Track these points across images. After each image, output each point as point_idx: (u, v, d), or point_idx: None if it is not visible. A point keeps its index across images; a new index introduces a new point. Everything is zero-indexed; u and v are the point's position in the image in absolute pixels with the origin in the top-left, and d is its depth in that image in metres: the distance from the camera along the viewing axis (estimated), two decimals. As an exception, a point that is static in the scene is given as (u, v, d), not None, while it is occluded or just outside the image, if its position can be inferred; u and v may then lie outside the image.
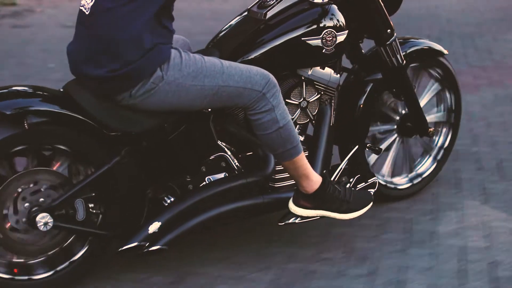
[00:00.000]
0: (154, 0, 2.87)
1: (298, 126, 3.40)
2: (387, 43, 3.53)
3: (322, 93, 3.40)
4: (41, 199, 3.03)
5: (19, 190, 3.00)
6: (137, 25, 2.86)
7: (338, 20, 3.31)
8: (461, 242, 3.55)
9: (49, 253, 3.13)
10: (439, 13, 7.57)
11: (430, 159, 4.07)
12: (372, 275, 3.29)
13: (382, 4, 3.46)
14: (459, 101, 4.04)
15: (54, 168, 3.08)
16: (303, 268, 3.33)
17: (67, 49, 3.05)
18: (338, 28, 3.31)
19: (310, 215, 3.28)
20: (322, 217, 3.30)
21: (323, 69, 3.36)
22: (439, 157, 4.07)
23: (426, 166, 4.05)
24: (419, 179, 4.00)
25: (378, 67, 3.65)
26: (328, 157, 3.49)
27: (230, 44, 3.32)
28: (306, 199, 3.25)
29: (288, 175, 3.30)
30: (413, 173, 4.02)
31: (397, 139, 3.92)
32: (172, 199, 3.21)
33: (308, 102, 3.38)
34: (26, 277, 3.09)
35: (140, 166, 3.12)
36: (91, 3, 2.92)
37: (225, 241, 3.55)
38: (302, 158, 3.19)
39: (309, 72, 3.33)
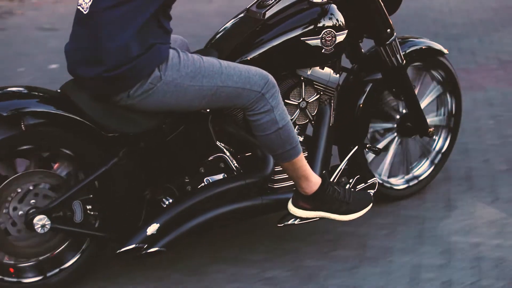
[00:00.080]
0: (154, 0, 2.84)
1: (297, 126, 3.38)
2: (387, 43, 3.51)
3: (321, 93, 3.39)
4: (39, 201, 3.00)
5: (17, 191, 2.97)
6: (135, 24, 2.84)
7: (337, 20, 3.29)
8: (415, 259, 3.42)
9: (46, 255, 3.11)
10: (426, 13, 7.48)
11: (428, 162, 4.05)
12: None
13: (382, 4, 3.45)
14: (459, 105, 4.02)
15: (52, 170, 3.05)
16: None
17: (64, 49, 3.03)
18: (338, 28, 3.29)
19: (310, 217, 3.26)
20: (321, 218, 3.27)
21: (323, 69, 3.34)
22: (436, 161, 4.05)
23: (423, 169, 4.03)
24: (415, 181, 3.98)
25: (377, 67, 3.63)
26: (328, 157, 3.47)
27: (229, 44, 3.30)
28: (306, 200, 3.23)
29: (287, 176, 3.28)
30: (410, 175, 4.00)
31: (396, 139, 3.91)
32: (170, 201, 3.19)
33: (307, 102, 3.36)
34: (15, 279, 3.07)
35: (138, 167, 3.09)
36: (89, 3, 2.89)
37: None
38: (301, 159, 3.17)
39: (309, 72, 3.31)
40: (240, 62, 3.18)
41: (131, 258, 3.10)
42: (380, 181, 3.83)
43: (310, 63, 3.31)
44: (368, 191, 3.45)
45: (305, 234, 3.52)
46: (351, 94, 3.67)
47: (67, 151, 3.01)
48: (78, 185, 3.02)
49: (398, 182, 3.96)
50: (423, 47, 3.79)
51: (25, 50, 6.59)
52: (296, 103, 3.35)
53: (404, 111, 3.85)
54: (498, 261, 3.38)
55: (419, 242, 3.56)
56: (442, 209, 3.84)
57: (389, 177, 3.93)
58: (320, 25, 3.26)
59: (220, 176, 3.27)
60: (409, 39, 3.81)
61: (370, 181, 3.48)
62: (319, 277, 3.29)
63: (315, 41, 3.25)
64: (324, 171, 3.40)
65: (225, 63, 3.03)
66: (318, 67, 3.33)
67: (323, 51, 3.27)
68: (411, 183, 3.97)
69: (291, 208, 3.25)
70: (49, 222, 2.97)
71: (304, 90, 3.34)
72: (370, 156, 3.80)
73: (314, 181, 3.20)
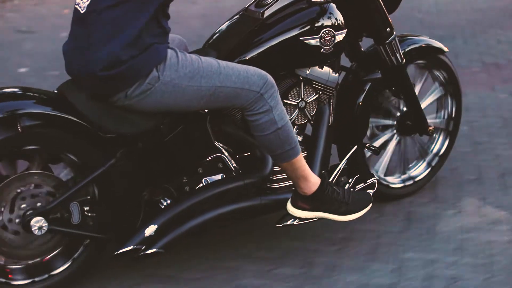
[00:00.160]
0: None
1: (296, 126, 3.36)
2: (387, 42, 3.50)
3: (320, 92, 3.37)
4: (36, 203, 2.97)
5: (14, 193, 2.95)
6: (134, 24, 2.81)
7: (336, 19, 3.27)
8: (363, 278, 3.26)
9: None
10: (413, 14, 7.41)
11: (424, 164, 4.03)
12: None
13: (382, 3, 3.44)
14: (459, 109, 4.01)
15: (49, 171, 3.03)
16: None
17: (62, 48, 3.00)
18: (337, 27, 3.27)
19: (309, 217, 3.25)
20: (320, 218, 3.26)
21: (322, 68, 3.32)
22: (433, 163, 4.03)
23: (419, 170, 4.02)
24: (411, 181, 3.97)
25: (377, 65, 3.61)
26: (327, 157, 3.46)
27: (227, 43, 3.28)
28: (305, 201, 3.21)
29: (286, 176, 3.26)
30: (406, 175, 3.98)
31: (395, 137, 3.89)
32: (169, 201, 3.17)
33: (306, 102, 3.34)
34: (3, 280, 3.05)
35: (136, 168, 3.07)
36: (87, 2, 2.87)
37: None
38: (301, 159, 3.15)
39: (307, 72, 3.29)
40: (238, 62, 3.16)
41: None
42: (377, 178, 3.81)
43: (309, 63, 3.29)
44: (368, 191, 3.43)
45: (245, 250, 3.41)
46: (350, 93, 3.65)
47: (65, 152, 2.99)
48: (75, 186, 2.99)
49: (395, 181, 3.94)
50: (423, 45, 3.78)
51: (-3, 53, 6.54)
52: (295, 103, 3.33)
53: (404, 109, 3.84)
54: (451, 280, 3.24)
55: (370, 259, 3.40)
56: (401, 223, 3.70)
57: (386, 175, 3.92)
58: (319, 24, 3.24)
59: (219, 177, 3.25)
60: (408, 37, 3.79)
61: (369, 181, 3.47)
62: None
63: (314, 41, 3.23)
64: (323, 171, 3.38)
65: (223, 63, 3.01)
66: (317, 67, 3.31)
67: (322, 50, 3.26)
68: (407, 183, 3.96)
69: (290, 208, 3.23)
70: (47, 224, 2.94)
71: (303, 89, 3.33)
72: (367, 153, 3.78)
73: (313, 181, 3.18)
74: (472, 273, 3.28)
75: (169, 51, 2.91)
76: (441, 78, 3.93)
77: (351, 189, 3.39)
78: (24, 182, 2.96)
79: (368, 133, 3.79)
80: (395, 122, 3.86)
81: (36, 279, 3.07)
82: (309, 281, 3.25)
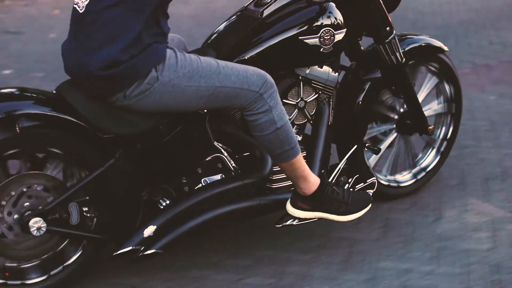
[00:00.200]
0: None
1: (295, 126, 3.35)
2: (386, 41, 3.49)
3: (320, 92, 3.36)
4: (34, 203, 2.96)
5: (12, 194, 2.93)
6: (133, 24, 2.80)
7: (336, 18, 3.26)
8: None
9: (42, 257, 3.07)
10: (406, 15, 7.38)
11: (434, 151, 4.03)
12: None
13: (381, 2, 3.43)
14: (458, 91, 4.00)
15: (48, 172, 3.01)
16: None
17: (61, 48, 2.99)
18: (336, 27, 3.26)
19: (308, 217, 3.24)
20: (320, 219, 3.25)
21: (321, 68, 3.31)
22: (442, 148, 4.03)
23: (429, 159, 4.02)
24: (423, 173, 3.97)
25: (377, 65, 3.60)
26: (327, 157, 3.45)
27: (227, 43, 3.27)
28: (304, 201, 3.20)
29: (286, 176, 3.24)
30: (417, 168, 3.98)
31: (397, 137, 3.89)
32: (168, 202, 3.15)
33: (305, 102, 3.33)
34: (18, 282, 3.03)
35: (135, 169, 3.06)
36: (86, 2, 2.86)
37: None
38: (300, 159, 3.14)
39: (307, 71, 3.28)
40: (238, 62, 3.14)
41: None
42: (386, 182, 3.82)
43: (309, 62, 3.28)
44: (367, 191, 3.42)
45: (216, 259, 3.36)
46: (350, 92, 3.64)
47: (63, 153, 2.97)
48: (74, 187, 2.98)
49: (405, 178, 3.94)
50: (423, 44, 3.77)
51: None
52: (295, 103, 3.32)
53: (402, 109, 3.83)
54: (425, 290, 3.19)
55: (343, 268, 3.31)
56: (378, 230, 3.61)
57: (394, 174, 3.92)
58: (318, 23, 3.23)
59: (218, 177, 3.24)
60: (408, 36, 3.78)
61: (369, 181, 3.46)
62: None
63: (313, 40, 3.22)
64: (323, 171, 3.37)
65: (222, 63, 3.00)
66: (316, 66, 3.30)
67: (321, 50, 3.25)
68: (418, 176, 3.96)
69: (290, 208, 3.22)
70: (45, 224, 2.93)
71: (303, 89, 3.32)
72: (374, 159, 3.78)
73: (312, 181, 3.17)
74: (447, 283, 3.21)
75: (168, 51, 2.89)
76: (433, 68, 3.92)
77: (351, 189, 3.38)
78: (22, 183, 2.94)
79: (371, 139, 3.79)
80: (394, 126, 3.85)
81: (52, 273, 3.07)
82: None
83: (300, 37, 3.21)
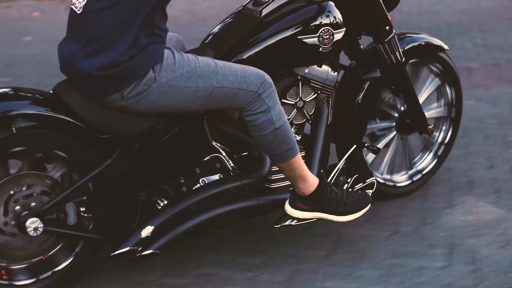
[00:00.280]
0: None
1: (294, 126, 3.33)
2: (386, 40, 3.46)
3: (319, 92, 3.34)
4: (31, 204, 2.95)
5: (10, 193, 2.92)
6: (131, 24, 2.79)
7: (335, 18, 3.24)
8: None
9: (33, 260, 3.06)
10: (392, 15, 6.95)
11: (431, 155, 4.01)
12: None
13: (381, 1, 3.40)
14: (460, 95, 3.97)
15: (45, 172, 3.01)
16: None
17: (58, 48, 2.98)
18: (335, 26, 3.24)
19: (307, 217, 3.22)
20: (319, 219, 3.23)
21: (320, 67, 3.29)
22: (439, 152, 4.00)
23: (426, 162, 3.99)
24: (419, 175, 3.94)
25: (376, 64, 3.58)
26: (325, 156, 3.43)
27: (225, 42, 3.25)
28: (303, 201, 3.19)
29: (284, 176, 3.23)
30: (413, 170, 3.96)
31: (396, 135, 3.86)
32: (165, 202, 3.14)
33: (304, 101, 3.31)
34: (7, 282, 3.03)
35: (132, 169, 3.04)
36: (83, 2, 2.84)
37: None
38: (299, 159, 3.12)
39: (306, 71, 3.27)
40: (236, 61, 3.13)
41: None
42: (383, 180, 3.79)
43: (308, 62, 3.27)
44: (367, 191, 3.41)
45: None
46: (349, 91, 3.62)
47: (60, 153, 2.96)
48: (71, 187, 2.97)
49: (401, 179, 3.92)
50: (423, 43, 3.75)
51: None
52: (293, 103, 3.30)
53: (402, 108, 3.81)
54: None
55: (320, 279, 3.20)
56: (328, 246, 3.43)
57: (391, 174, 3.90)
58: (317, 23, 3.21)
59: (216, 177, 3.23)
60: (408, 35, 3.75)
61: (368, 181, 3.44)
62: None
63: (312, 40, 3.20)
64: (321, 171, 3.35)
65: (220, 63, 2.98)
66: (315, 66, 3.28)
67: (320, 49, 3.23)
68: (414, 178, 3.93)
69: (288, 208, 3.21)
70: (42, 225, 2.92)
71: (301, 89, 3.30)
72: (371, 156, 3.76)
73: (311, 181, 3.16)
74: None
75: (166, 51, 2.88)
76: (436, 70, 3.90)
77: (350, 189, 3.36)
78: (19, 183, 2.93)
79: (369, 136, 3.77)
80: (394, 124, 3.83)
81: (41, 277, 3.06)
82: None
83: (299, 37, 3.19)
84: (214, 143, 3.20)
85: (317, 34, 3.21)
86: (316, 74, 3.29)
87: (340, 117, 3.54)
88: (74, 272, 3.11)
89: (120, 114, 2.91)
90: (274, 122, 3.01)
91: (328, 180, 3.35)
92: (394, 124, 3.83)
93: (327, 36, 3.23)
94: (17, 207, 2.93)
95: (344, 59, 3.55)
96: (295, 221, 3.23)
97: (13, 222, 2.93)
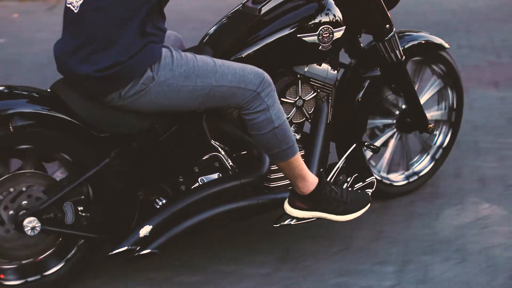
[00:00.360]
0: None
1: (293, 125, 3.32)
2: (386, 38, 3.44)
3: (318, 90, 3.32)
4: (29, 203, 2.93)
5: (6, 192, 2.90)
6: (128, 23, 2.77)
7: (335, 16, 3.22)
8: None
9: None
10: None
11: (428, 157, 3.99)
12: None
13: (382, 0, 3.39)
14: (461, 100, 3.96)
15: (42, 171, 2.99)
16: None
17: (54, 47, 2.95)
18: (335, 24, 3.22)
19: (306, 217, 3.21)
20: (318, 218, 3.22)
21: (320, 65, 3.27)
22: (437, 156, 3.98)
23: (423, 164, 3.97)
24: (416, 177, 3.92)
25: (376, 62, 3.56)
26: (325, 155, 3.42)
27: (224, 41, 3.23)
28: (302, 200, 3.17)
29: (284, 175, 3.21)
30: (410, 171, 3.94)
31: (396, 134, 3.85)
32: (164, 201, 3.13)
33: (304, 100, 3.30)
34: None
35: (130, 168, 3.03)
36: (80, 1, 2.82)
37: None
38: (298, 158, 3.10)
39: (306, 69, 3.25)
40: (235, 60, 3.11)
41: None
42: (379, 178, 3.77)
43: (307, 60, 3.25)
44: (366, 190, 3.39)
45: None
46: (349, 90, 3.60)
47: (58, 152, 2.95)
48: (69, 186, 2.95)
49: (398, 179, 3.90)
50: (423, 42, 3.73)
51: None
52: (293, 101, 3.28)
53: (404, 106, 3.79)
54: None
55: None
56: (272, 263, 3.29)
57: (388, 173, 3.87)
58: (317, 21, 3.19)
59: (215, 176, 3.21)
60: (408, 33, 3.73)
61: (368, 180, 3.42)
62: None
63: (312, 38, 3.19)
64: (321, 170, 3.34)
65: (219, 61, 2.96)
66: (315, 64, 3.26)
67: (320, 48, 3.21)
68: (411, 179, 3.91)
69: (287, 208, 3.19)
70: (39, 224, 2.90)
71: (301, 88, 3.28)
72: (369, 153, 3.74)
73: (311, 180, 3.14)
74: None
75: (164, 50, 2.86)
76: (439, 71, 3.88)
77: (350, 189, 3.34)
78: (16, 181, 2.91)
79: (368, 133, 3.75)
80: (394, 121, 3.81)
81: (29, 279, 3.03)
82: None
83: (298, 35, 3.17)
84: (213, 142, 3.19)
85: (317, 32, 3.19)
86: (316, 73, 3.27)
87: (340, 116, 3.52)
88: (64, 278, 3.09)
89: (118, 113, 2.89)
90: (273, 121, 2.99)
91: (328, 179, 3.33)
92: (394, 121, 3.81)
93: (327, 35, 3.21)
94: (14, 206, 2.91)
95: (344, 57, 3.53)
96: (294, 220, 3.21)
97: (10, 221, 2.91)
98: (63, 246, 3.08)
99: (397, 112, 3.80)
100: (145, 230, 3.00)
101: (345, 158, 3.43)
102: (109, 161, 2.95)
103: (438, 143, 4.00)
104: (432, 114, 3.93)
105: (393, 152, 3.87)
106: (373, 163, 3.81)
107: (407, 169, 3.94)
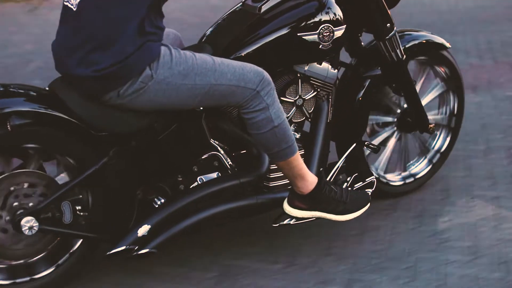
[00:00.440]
0: None
1: (293, 124, 3.30)
2: (387, 37, 3.43)
3: (318, 89, 3.30)
4: (26, 202, 2.91)
5: (3, 192, 2.88)
6: (127, 22, 2.75)
7: (335, 14, 3.20)
8: None
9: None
10: None
11: (425, 161, 3.96)
12: None
13: None
14: (462, 105, 3.94)
15: (40, 170, 2.97)
16: None
17: (52, 46, 2.94)
18: (336, 23, 3.20)
19: (305, 216, 3.19)
20: (317, 218, 3.20)
21: (320, 64, 3.26)
22: (434, 160, 3.96)
23: (420, 167, 3.95)
24: (412, 179, 3.90)
25: (377, 61, 3.54)
26: (325, 155, 3.40)
27: (223, 39, 3.21)
28: (301, 200, 3.16)
29: (283, 174, 3.19)
30: (407, 173, 3.92)
31: (396, 133, 3.83)
32: (163, 200, 3.11)
33: (304, 99, 3.28)
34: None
35: (129, 167, 3.01)
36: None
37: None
38: (298, 157, 3.09)
39: (306, 68, 3.23)
40: (234, 58, 3.09)
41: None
42: (376, 175, 3.75)
43: (307, 59, 3.23)
44: (366, 190, 3.37)
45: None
46: (350, 89, 3.58)
47: (56, 151, 2.93)
48: (67, 185, 2.94)
49: (395, 179, 3.88)
50: (424, 41, 3.71)
51: None
52: (292, 101, 3.26)
53: (405, 105, 3.77)
54: None
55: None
56: (208, 282, 3.14)
57: (385, 172, 3.85)
58: (317, 20, 3.17)
59: (214, 175, 3.20)
60: (409, 32, 3.72)
61: (368, 180, 3.40)
62: None
63: (312, 37, 3.17)
64: (321, 169, 3.32)
65: (218, 60, 2.94)
66: (315, 63, 3.24)
67: (320, 46, 3.19)
68: (407, 181, 3.89)
69: (287, 207, 3.18)
70: (37, 223, 2.88)
71: (301, 87, 3.26)
72: (367, 150, 3.72)
73: (310, 180, 3.13)
74: None
75: (163, 48, 2.84)
76: (443, 74, 3.86)
77: (349, 188, 3.33)
78: (14, 181, 2.90)
79: (368, 130, 3.73)
80: (395, 119, 3.79)
81: (17, 280, 3.01)
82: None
83: (298, 34, 3.15)
84: (212, 141, 3.17)
85: (317, 31, 3.17)
86: (316, 72, 3.26)
87: (340, 115, 3.50)
88: (53, 283, 3.06)
89: (117, 112, 2.87)
90: (273, 120, 2.98)
91: (328, 178, 3.32)
92: (395, 120, 3.79)
93: (327, 33, 3.19)
94: (12, 206, 2.89)
95: (345, 56, 3.51)
96: (293, 220, 3.20)
97: (8, 221, 2.90)
98: (55, 251, 3.06)
99: (399, 111, 3.78)
100: (143, 230, 2.99)
101: (345, 157, 3.41)
102: (108, 160, 2.93)
103: (436, 147, 3.98)
104: (432, 117, 3.90)
105: (391, 152, 3.85)
106: (371, 161, 3.79)
107: (404, 170, 3.92)
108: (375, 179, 3.44)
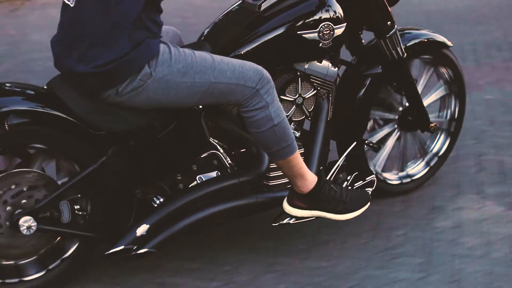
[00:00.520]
0: None
1: (293, 123, 3.28)
2: (387, 35, 3.41)
3: (319, 88, 3.29)
4: (24, 202, 2.90)
5: (1, 192, 2.87)
6: (126, 19, 2.73)
7: (335, 12, 3.19)
8: None
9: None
10: None
11: (423, 163, 3.93)
12: None
13: None
14: (463, 109, 3.92)
15: (38, 169, 2.95)
16: None
17: (51, 42, 2.92)
18: (336, 21, 3.18)
19: (305, 216, 3.18)
20: (317, 217, 3.19)
21: (320, 62, 3.24)
22: (432, 163, 3.93)
23: (417, 169, 3.92)
24: (409, 179, 3.88)
25: (378, 59, 3.52)
26: (325, 153, 3.38)
27: (223, 37, 3.20)
28: (301, 199, 3.14)
29: (283, 173, 3.18)
30: (404, 173, 3.90)
31: (396, 132, 3.81)
32: (162, 200, 3.09)
33: (304, 98, 3.26)
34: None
35: (128, 166, 2.99)
36: None
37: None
38: (297, 156, 3.07)
39: (306, 66, 3.22)
40: (234, 56, 3.08)
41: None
42: (374, 172, 3.73)
43: (308, 57, 3.21)
44: (366, 189, 3.35)
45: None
46: (350, 87, 3.57)
47: (54, 150, 2.92)
48: (65, 184, 2.92)
49: (392, 178, 3.86)
50: (425, 40, 3.68)
51: None
52: (292, 99, 3.24)
53: (406, 104, 3.75)
54: None
55: None
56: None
57: (383, 170, 3.83)
58: (317, 18, 3.15)
59: (214, 174, 3.18)
60: (410, 31, 3.70)
61: (368, 179, 3.39)
62: None
63: (312, 35, 3.15)
64: (321, 168, 3.31)
65: (218, 58, 2.92)
66: (315, 61, 3.23)
67: (320, 45, 3.17)
68: (404, 181, 3.87)
69: (286, 207, 3.16)
70: (35, 223, 2.87)
71: (301, 85, 3.24)
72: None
73: (310, 179, 3.11)
74: None
75: (162, 46, 2.83)
76: (446, 76, 3.84)
77: (349, 187, 3.31)
78: (13, 180, 2.88)
79: (368, 126, 3.71)
80: (396, 117, 3.77)
81: (6, 280, 2.99)
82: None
83: (298, 32, 3.13)
84: (211, 139, 3.15)
85: (317, 29, 3.15)
86: (316, 70, 3.24)
87: (341, 114, 3.49)
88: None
89: (116, 110, 2.86)
90: (273, 118, 2.96)
91: (328, 177, 3.30)
92: (396, 117, 3.77)
93: (328, 32, 3.17)
94: (10, 206, 2.87)
95: (345, 54, 3.49)
96: (293, 219, 3.18)
97: (6, 221, 2.88)
98: (47, 255, 3.04)
99: (400, 109, 3.76)
100: (142, 229, 2.97)
101: (345, 156, 3.40)
102: (106, 159, 2.92)
103: (434, 150, 3.96)
104: (432, 120, 3.87)
105: (390, 150, 3.83)
106: (370, 158, 3.76)
107: (401, 170, 3.90)
108: (375, 178, 3.42)
